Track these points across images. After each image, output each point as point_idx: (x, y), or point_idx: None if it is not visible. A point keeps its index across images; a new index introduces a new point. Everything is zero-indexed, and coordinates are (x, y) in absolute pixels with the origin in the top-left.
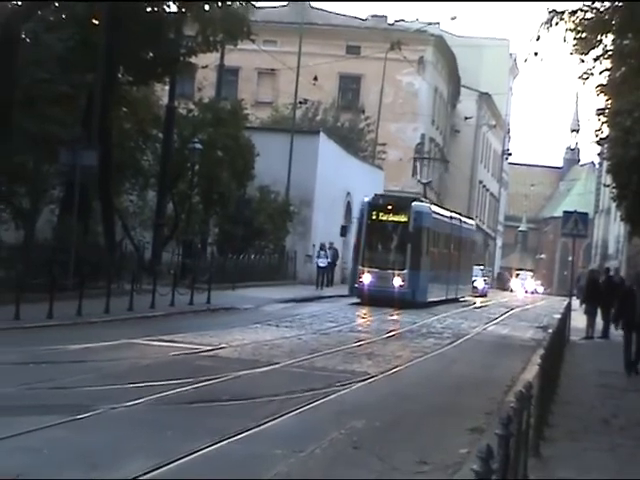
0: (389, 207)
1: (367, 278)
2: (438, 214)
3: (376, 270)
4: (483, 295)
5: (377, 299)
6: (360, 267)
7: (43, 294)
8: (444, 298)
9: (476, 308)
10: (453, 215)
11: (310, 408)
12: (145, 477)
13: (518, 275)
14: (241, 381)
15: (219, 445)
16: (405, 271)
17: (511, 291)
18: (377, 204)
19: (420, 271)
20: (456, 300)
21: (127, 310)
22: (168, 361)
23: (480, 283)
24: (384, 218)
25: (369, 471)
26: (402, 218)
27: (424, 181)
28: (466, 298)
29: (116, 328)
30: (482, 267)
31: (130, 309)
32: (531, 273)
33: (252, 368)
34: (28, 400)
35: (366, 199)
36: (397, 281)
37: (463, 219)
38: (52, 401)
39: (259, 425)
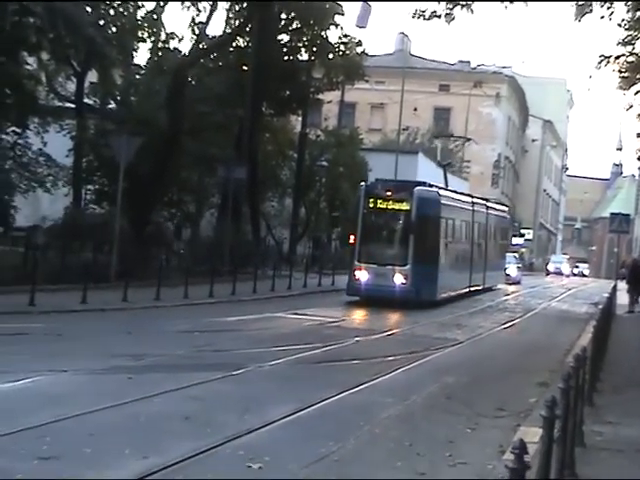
0: (388, 193)
1: (364, 275)
2: (451, 199)
3: (374, 266)
4: (516, 282)
5: (376, 299)
6: (356, 262)
7: (205, 278)
8: (466, 290)
9: (507, 295)
10: (476, 201)
11: (412, 367)
12: (151, 477)
13: (551, 259)
14: (359, 345)
15: (342, 395)
16: (407, 267)
17: (547, 274)
18: (375, 190)
19: (426, 266)
20: (488, 290)
21: (270, 291)
22: (302, 330)
23: (513, 270)
24: (383, 206)
25: (458, 415)
26: (403, 206)
27: (444, 163)
28: (499, 286)
29: (261, 305)
30: (515, 254)
31: (272, 290)
32: (567, 256)
33: (367, 335)
34: (195, 360)
35: (363, 184)
36: (398, 278)
37: (490, 205)
38: (213, 361)
39: (373, 379)
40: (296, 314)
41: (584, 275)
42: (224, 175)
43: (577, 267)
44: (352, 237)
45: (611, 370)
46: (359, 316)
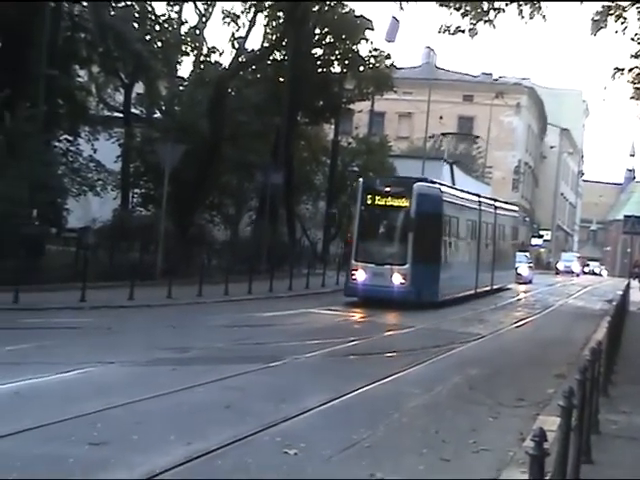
0: (387, 189)
1: (361, 275)
2: (454, 197)
3: (371, 265)
4: (528, 282)
5: (374, 299)
6: (353, 262)
7: (244, 276)
8: (473, 291)
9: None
10: (484, 200)
11: (437, 359)
12: (159, 477)
13: (561, 257)
14: (387, 339)
15: (372, 386)
16: (406, 266)
17: (556, 273)
18: (373, 186)
19: (427, 265)
20: (498, 290)
21: (304, 288)
22: (334, 325)
23: (524, 270)
24: (381, 203)
25: (481, 405)
26: (403, 202)
27: (450, 161)
28: (510, 286)
29: (297, 301)
30: (527, 254)
31: (307, 287)
32: (577, 255)
33: (395, 330)
34: (234, 352)
35: (361, 180)
36: (397, 278)
37: (499, 204)
38: (251, 353)
39: (400, 371)
40: (329, 310)
41: (595, 273)
42: (262, 180)
43: (587, 265)
44: (350, 235)
45: (625, 363)
46: (387, 312)
